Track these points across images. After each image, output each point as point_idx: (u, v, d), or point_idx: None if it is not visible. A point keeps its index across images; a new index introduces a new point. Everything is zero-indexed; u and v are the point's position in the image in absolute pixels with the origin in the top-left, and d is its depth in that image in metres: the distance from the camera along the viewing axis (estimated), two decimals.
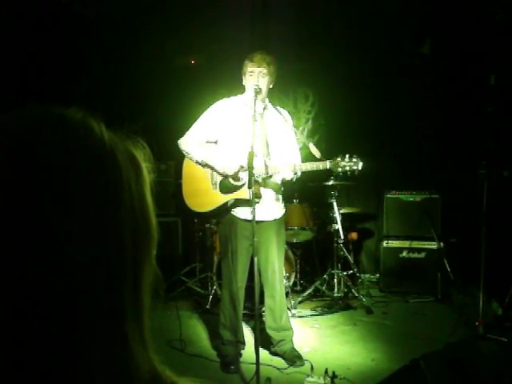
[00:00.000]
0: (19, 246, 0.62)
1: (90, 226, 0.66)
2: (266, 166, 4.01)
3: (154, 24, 6.47)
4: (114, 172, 0.70)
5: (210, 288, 5.87)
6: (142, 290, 0.73)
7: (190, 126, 4.23)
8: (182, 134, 4.23)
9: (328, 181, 5.81)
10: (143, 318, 0.73)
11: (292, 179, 4.13)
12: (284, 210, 4.37)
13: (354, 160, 4.00)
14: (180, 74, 6.94)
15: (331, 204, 5.91)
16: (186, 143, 4.18)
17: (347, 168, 3.99)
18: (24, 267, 0.62)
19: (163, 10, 6.33)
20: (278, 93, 6.92)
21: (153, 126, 6.43)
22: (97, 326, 0.66)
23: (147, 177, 0.76)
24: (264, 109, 4.20)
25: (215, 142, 4.20)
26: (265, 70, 4.04)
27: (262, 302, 4.42)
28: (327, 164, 3.99)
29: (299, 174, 4.11)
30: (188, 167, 4.30)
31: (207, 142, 4.19)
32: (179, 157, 4.39)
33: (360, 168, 3.99)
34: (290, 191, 5.84)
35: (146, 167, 0.77)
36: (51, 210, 0.64)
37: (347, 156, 4.00)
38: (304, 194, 6.16)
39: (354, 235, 6.69)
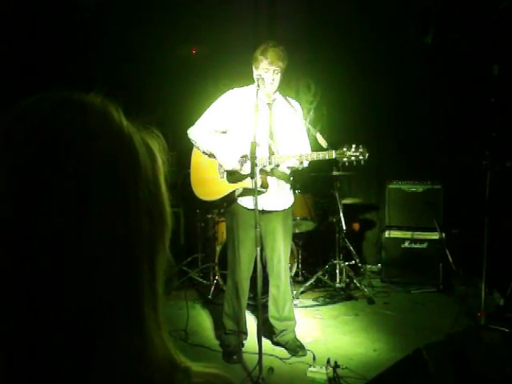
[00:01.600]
0: (40, 223, 0.63)
1: (110, 207, 0.67)
2: (270, 156, 4.00)
3: (155, 13, 6.44)
4: (132, 156, 0.71)
5: (212, 278, 5.88)
6: (156, 275, 0.74)
7: (192, 116, 4.22)
8: (184, 124, 4.23)
9: (330, 171, 5.80)
10: (158, 302, 0.74)
11: (299, 169, 4.11)
12: (292, 200, 4.36)
13: (361, 150, 3.93)
14: (181, 64, 6.91)
15: (333, 194, 5.91)
16: (195, 132, 4.16)
17: (353, 158, 3.94)
18: (43, 246, 0.63)
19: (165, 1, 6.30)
20: (281, 83, 6.89)
21: (155, 117, 6.44)
22: (115, 310, 0.66)
23: (162, 166, 0.78)
24: (273, 100, 4.18)
25: (225, 132, 4.19)
26: (279, 68, 4.02)
27: (265, 292, 4.43)
28: (333, 154, 3.95)
29: (306, 164, 4.09)
30: (196, 156, 4.30)
31: (216, 132, 4.17)
32: (182, 147, 4.38)
33: (366, 158, 3.95)
34: (292, 182, 5.82)
35: (161, 157, 0.78)
36: (73, 190, 0.65)
37: (353, 146, 3.94)
38: (306, 184, 6.14)
39: (356, 226, 6.69)
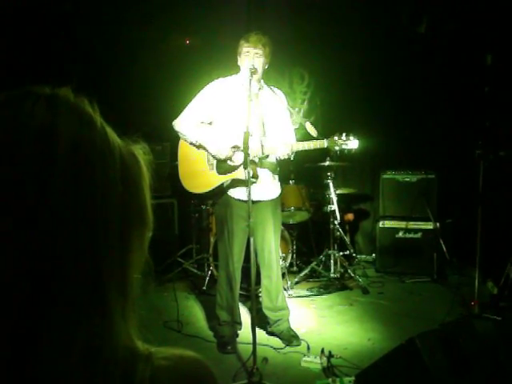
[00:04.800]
0: (7, 217, 0.64)
1: (73, 185, 0.67)
2: (262, 146, 4.00)
3: (148, 3, 6.40)
4: (103, 143, 0.71)
5: (206, 269, 5.88)
6: (129, 267, 0.74)
7: (185, 107, 4.20)
8: (177, 115, 4.21)
9: (324, 161, 5.80)
10: (128, 294, 0.74)
11: (289, 158, 4.12)
12: (280, 189, 4.37)
13: (351, 138, 4.03)
14: (174, 55, 6.88)
15: (327, 185, 5.91)
16: (181, 124, 4.15)
17: (344, 146, 4.01)
18: (8, 236, 0.64)
19: None
20: (274, 73, 6.88)
21: (148, 107, 6.42)
22: (76, 297, 0.66)
23: (146, 172, 0.78)
24: (259, 89, 4.18)
25: (210, 123, 4.18)
26: (260, 51, 4.02)
27: (258, 282, 4.43)
28: (324, 142, 4.01)
29: (293, 153, 4.10)
30: (183, 148, 4.28)
31: (202, 123, 4.17)
32: (175, 138, 4.36)
33: (356, 146, 4.02)
34: (287, 172, 5.83)
35: (144, 160, 0.79)
36: (36, 168, 0.65)
37: (344, 134, 4.02)
38: (300, 174, 6.15)
39: (350, 216, 6.69)
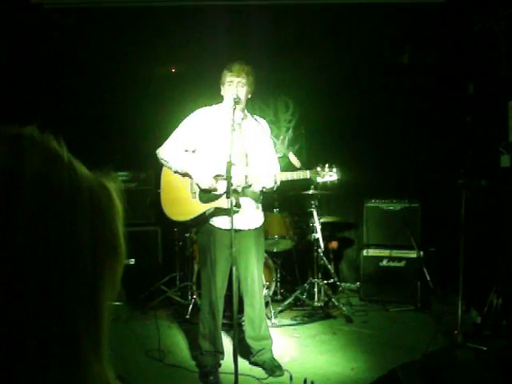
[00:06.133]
0: None
1: (41, 234, 0.66)
2: (246, 176, 4.01)
3: (133, 33, 6.44)
4: (71, 185, 0.71)
5: (189, 297, 5.85)
6: (101, 302, 0.73)
7: (170, 136, 4.22)
8: (162, 143, 4.23)
9: (308, 190, 5.82)
10: (100, 335, 0.72)
11: (273, 188, 4.14)
12: (263, 218, 4.37)
13: (334, 170, 4.09)
14: (160, 83, 6.91)
15: (311, 213, 5.92)
16: (165, 152, 4.17)
17: (327, 178, 4.07)
18: None
19: (143, 20, 6.30)
20: (259, 102, 6.94)
21: (133, 135, 6.43)
22: (45, 339, 0.65)
23: (118, 203, 0.77)
24: (242, 119, 4.21)
25: (193, 151, 4.19)
26: (243, 80, 4.06)
27: (241, 311, 4.41)
28: (307, 174, 4.05)
29: (278, 183, 4.12)
30: (166, 176, 4.29)
31: (186, 151, 4.18)
32: (159, 165, 4.37)
33: (338, 178, 4.09)
34: (271, 200, 5.84)
35: (116, 195, 0.78)
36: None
37: (326, 166, 4.08)
38: (284, 203, 6.16)
39: (334, 244, 6.70)
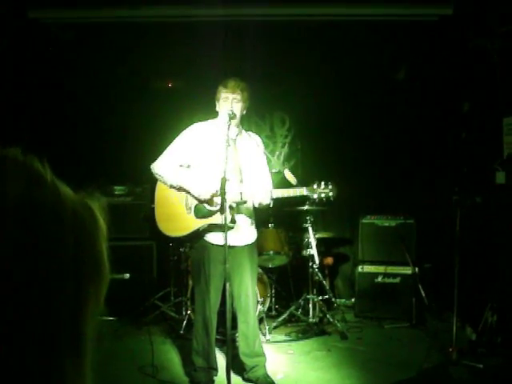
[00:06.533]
0: None
1: (23, 256, 0.65)
2: (241, 192, 4.01)
3: (130, 48, 6.47)
4: (53, 206, 0.70)
5: (184, 312, 5.82)
6: (85, 325, 0.72)
7: (164, 150, 4.23)
8: (157, 158, 4.23)
9: (303, 206, 5.82)
10: (84, 353, 0.72)
11: (269, 205, 4.15)
12: (256, 235, 4.37)
13: (330, 187, 4.11)
14: (157, 97, 6.93)
15: (306, 229, 5.91)
16: (160, 167, 4.17)
17: (323, 195, 4.09)
18: None
19: (140, 36, 6.33)
20: (255, 117, 6.96)
21: (129, 149, 6.43)
22: (27, 364, 0.64)
23: (101, 223, 0.77)
24: (237, 135, 4.22)
25: (188, 167, 4.20)
26: (238, 97, 4.08)
27: (234, 327, 4.39)
28: (304, 191, 4.07)
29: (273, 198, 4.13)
30: (161, 191, 4.29)
31: (181, 166, 4.18)
32: (154, 180, 4.37)
33: (334, 195, 4.10)
34: (266, 216, 5.83)
35: (100, 215, 0.78)
36: None
37: (323, 183, 4.10)
38: (279, 218, 6.15)
39: (329, 260, 6.69)
